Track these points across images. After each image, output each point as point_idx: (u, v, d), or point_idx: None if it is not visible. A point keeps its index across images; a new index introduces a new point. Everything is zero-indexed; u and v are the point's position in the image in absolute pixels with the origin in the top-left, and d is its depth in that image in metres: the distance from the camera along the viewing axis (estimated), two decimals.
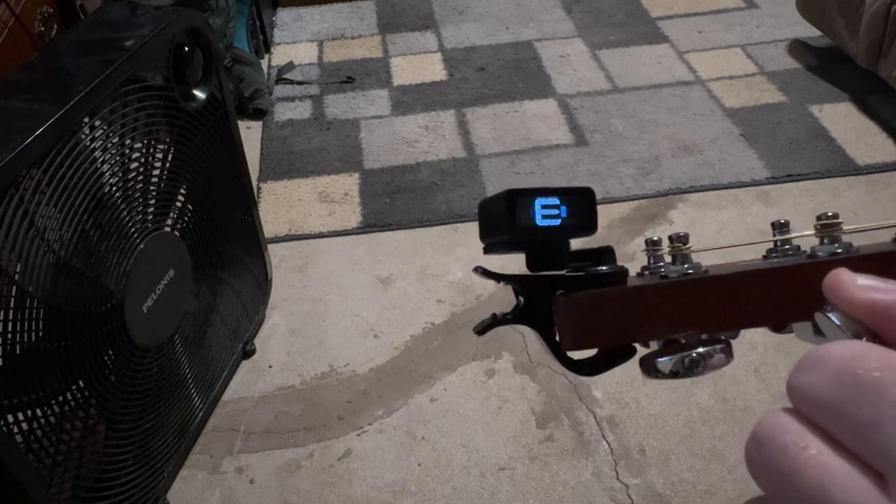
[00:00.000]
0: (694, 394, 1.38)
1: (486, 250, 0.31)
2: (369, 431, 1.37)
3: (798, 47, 2.41)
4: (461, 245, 1.74)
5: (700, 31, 2.55)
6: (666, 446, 1.31)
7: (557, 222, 0.29)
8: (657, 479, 1.26)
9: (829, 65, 2.30)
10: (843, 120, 2.07)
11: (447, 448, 1.33)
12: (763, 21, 2.58)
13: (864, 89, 2.16)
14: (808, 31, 2.38)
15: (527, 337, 1.51)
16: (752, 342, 1.46)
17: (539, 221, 0.28)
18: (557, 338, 0.29)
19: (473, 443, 1.34)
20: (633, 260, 1.66)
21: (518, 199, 0.28)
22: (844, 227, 0.27)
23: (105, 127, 0.99)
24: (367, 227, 1.82)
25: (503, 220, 0.28)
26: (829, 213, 0.28)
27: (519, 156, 2.01)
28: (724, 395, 1.38)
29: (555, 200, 0.29)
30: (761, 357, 1.43)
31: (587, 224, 0.29)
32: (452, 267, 1.69)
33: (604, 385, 1.41)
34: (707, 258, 0.29)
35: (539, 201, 0.28)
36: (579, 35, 2.57)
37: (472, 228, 1.78)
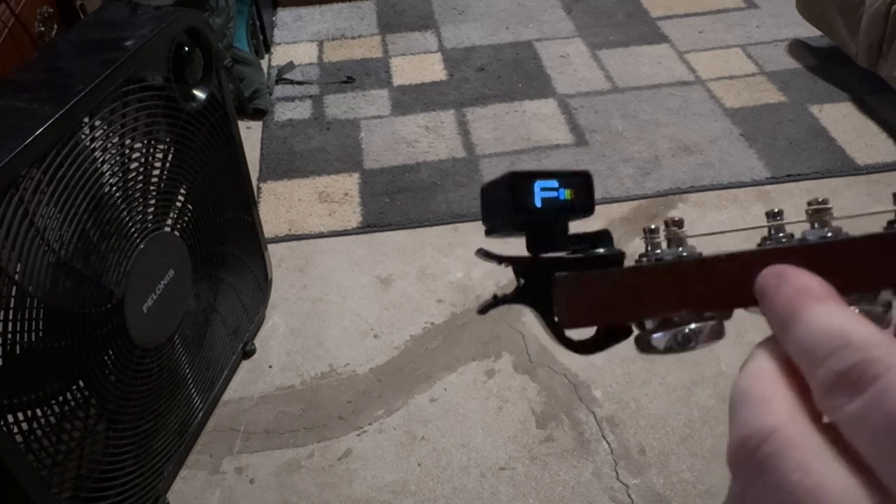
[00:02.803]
0: (694, 394, 1.38)
1: (488, 233, 0.32)
2: (369, 431, 1.37)
3: (798, 47, 2.41)
4: (461, 245, 1.74)
5: (700, 31, 2.55)
6: (666, 446, 1.31)
7: (557, 204, 0.30)
8: (657, 479, 1.26)
9: (829, 65, 2.30)
10: (843, 120, 2.07)
11: (447, 448, 1.33)
12: (763, 21, 2.58)
13: (864, 89, 2.16)
14: (808, 31, 2.38)
15: (526, 337, 1.51)
16: (752, 342, 1.46)
17: (539, 203, 0.29)
18: (556, 318, 0.30)
19: (473, 443, 1.34)
20: (632, 260, 1.66)
21: (518, 182, 0.29)
22: (835, 215, 0.28)
23: (105, 127, 0.99)
24: (367, 227, 1.82)
25: (504, 203, 0.29)
26: (819, 199, 0.28)
27: (519, 156, 2.01)
28: (724, 395, 1.38)
29: (554, 183, 0.30)
30: None
31: (585, 205, 0.30)
32: (452, 267, 1.69)
33: (604, 385, 1.41)
34: (703, 248, 0.30)
35: (538, 183, 0.29)
36: (579, 35, 2.57)
37: (472, 228, 1.78)
